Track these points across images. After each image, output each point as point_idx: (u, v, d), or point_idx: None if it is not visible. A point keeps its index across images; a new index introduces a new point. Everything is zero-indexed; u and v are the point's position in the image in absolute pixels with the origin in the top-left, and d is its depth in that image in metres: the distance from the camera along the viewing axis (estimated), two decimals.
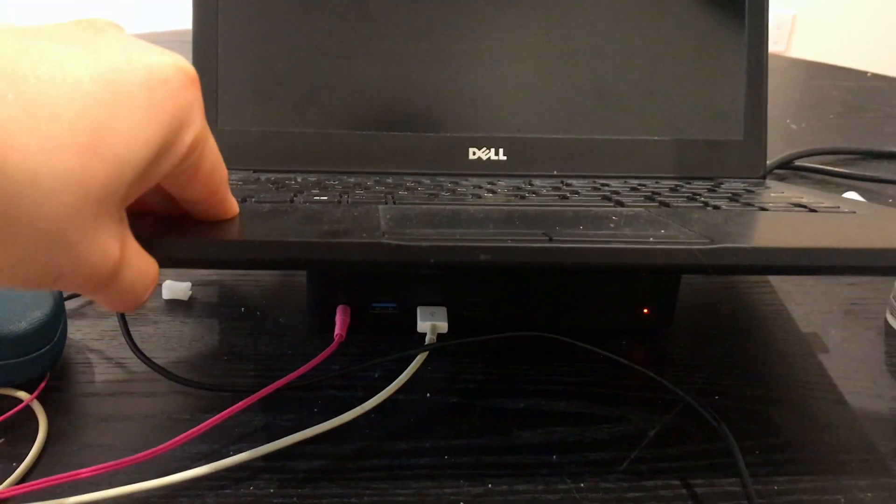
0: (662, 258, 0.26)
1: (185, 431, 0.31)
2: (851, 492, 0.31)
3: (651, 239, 0.26)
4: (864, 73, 1.01)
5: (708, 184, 0.45)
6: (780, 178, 0.65)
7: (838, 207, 0.36)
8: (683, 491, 0.31)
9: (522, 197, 0.37)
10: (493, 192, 0.38)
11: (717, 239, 0.27)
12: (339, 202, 0.33)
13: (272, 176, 0.43)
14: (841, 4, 2.17)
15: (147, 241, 0.24)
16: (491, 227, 0.28)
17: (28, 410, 0.34)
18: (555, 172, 0.48)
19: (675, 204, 0.36)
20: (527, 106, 0.48)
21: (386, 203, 0.33)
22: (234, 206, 0.28)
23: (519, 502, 0.30)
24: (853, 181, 0.62)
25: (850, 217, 0.34)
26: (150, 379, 0.36)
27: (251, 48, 0.46)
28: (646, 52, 0.48)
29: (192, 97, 0.23)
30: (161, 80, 0.21)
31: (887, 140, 0.75)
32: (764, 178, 0.49)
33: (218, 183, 0.26)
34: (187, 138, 0.23)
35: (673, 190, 0.41)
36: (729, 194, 0.40)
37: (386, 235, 0.26)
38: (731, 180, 0.47)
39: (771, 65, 0.49)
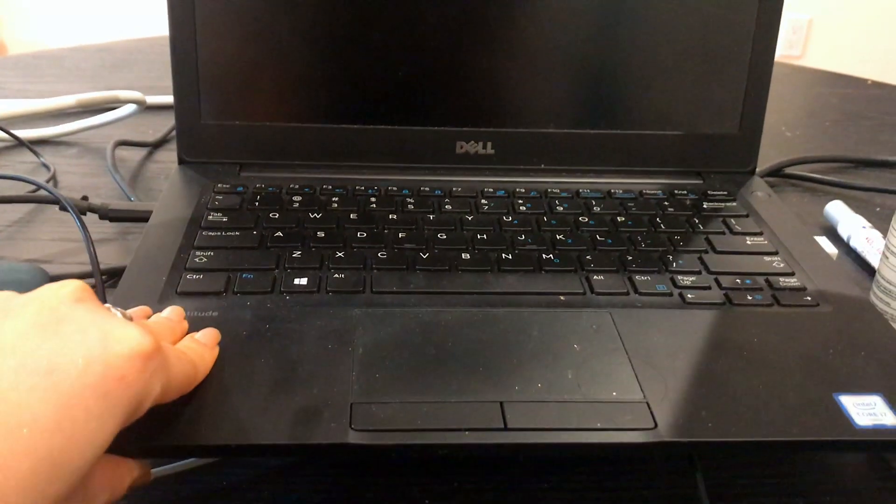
0: (608, 451, 0.30)
1: None
2: (814, 495, 0.32)
3: (598, 425, 0.29)
4: (865, 80, 1.01)
5: (692, 198, 0.46)
6: (770, 186, 0.65)
7: (808, 300, 0.37)
8: (644, 492, 0.31)
9: (499, 264, 0.38)
10: (473, 249, 0.40)
11: (661, 427, 0.28)
12: (318, 291, 0.35)
13: (258, 192, 0.44)
14: (857, 8, 2.15)
15: (120, 449, 0.24)
16: (454, 384, 0.30)
17: None
18: (542, 166, 0.48)
19: (642, 286, 0.37)
20: (515, 100, 0.48)
21: (363, 291, 0.35)
22: (209, 363, 0.29)
23: (483, 501, 0.31)
24: (842, 189, 0.62)
25: (816, 329, 0.34)
26: None
27: (232, 40, 0.45)
28: (640, 47, 0.47)
29: (149, 374, 0.23)
30: (117, 378, 0.22)
31: (881, 148, 0.74)
32: (753, 172, 0.50)
33: (191, 384, 0.27)
34: (147, 405, 0.24)
35: (651, 224, 0.43)
36: (705, 248, 0.41)
37: (353, 425, 0.28)
38: (719, 186, 0.48)
39: (773, 72, 0.49)
